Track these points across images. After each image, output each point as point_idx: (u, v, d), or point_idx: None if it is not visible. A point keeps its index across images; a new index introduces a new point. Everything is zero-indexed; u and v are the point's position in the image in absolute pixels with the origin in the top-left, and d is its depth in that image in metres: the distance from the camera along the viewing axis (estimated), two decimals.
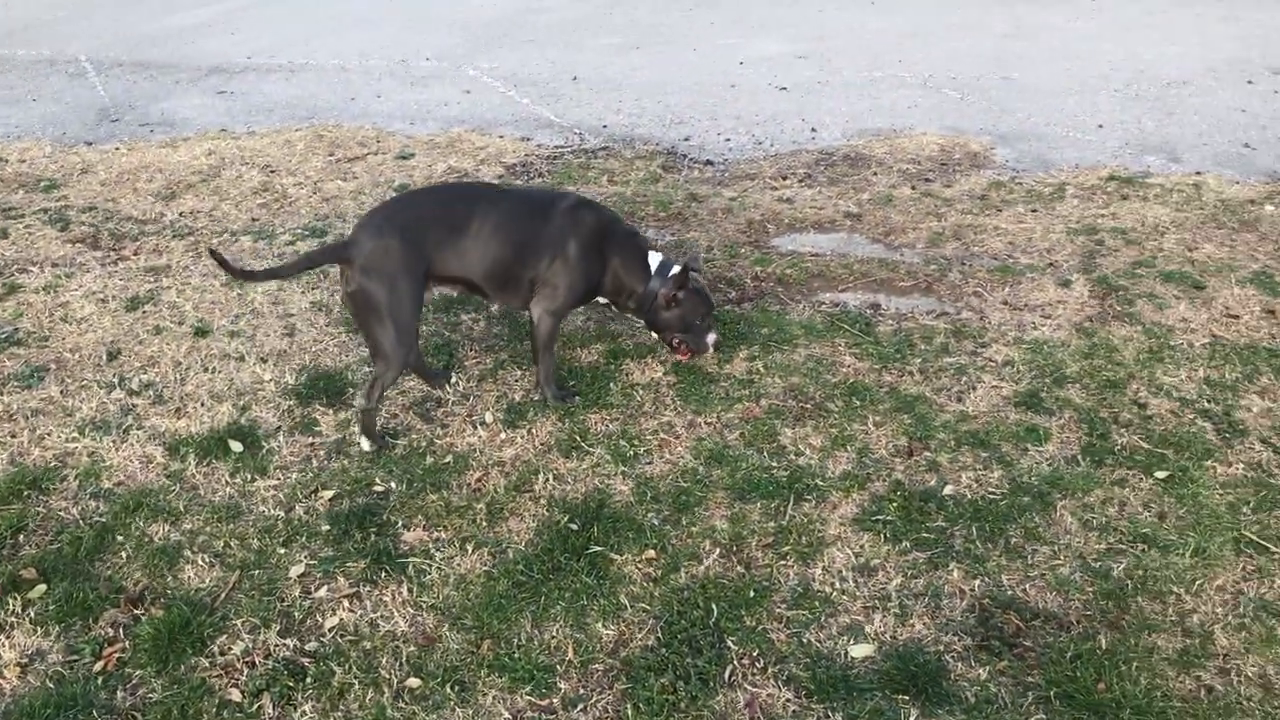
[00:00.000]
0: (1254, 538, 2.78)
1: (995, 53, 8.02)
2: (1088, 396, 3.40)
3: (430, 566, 2.75)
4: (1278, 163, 5.61)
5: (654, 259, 3.45)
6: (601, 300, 3.53)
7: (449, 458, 3.19)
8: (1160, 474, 3.02)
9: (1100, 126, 6.27)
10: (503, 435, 3.29)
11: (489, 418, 3.38)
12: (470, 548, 2.81)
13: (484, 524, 2.91)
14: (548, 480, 3.07)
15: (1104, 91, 6.97)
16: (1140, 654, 2.42)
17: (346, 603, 2.63)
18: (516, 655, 2.46)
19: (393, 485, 3.07)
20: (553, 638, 2.51)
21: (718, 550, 2.79)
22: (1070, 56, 7.87)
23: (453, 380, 3.56)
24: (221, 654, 2.48)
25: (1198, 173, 5.47)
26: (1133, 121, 6.35)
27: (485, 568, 2.74)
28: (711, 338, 3.53)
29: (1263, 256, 4.39)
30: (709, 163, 5.81)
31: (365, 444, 3.23)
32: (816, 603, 2.61)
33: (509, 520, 2.92)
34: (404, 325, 3.11)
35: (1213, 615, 2.54)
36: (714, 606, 2.59)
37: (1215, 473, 3.03)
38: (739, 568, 2.73)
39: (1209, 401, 3.36)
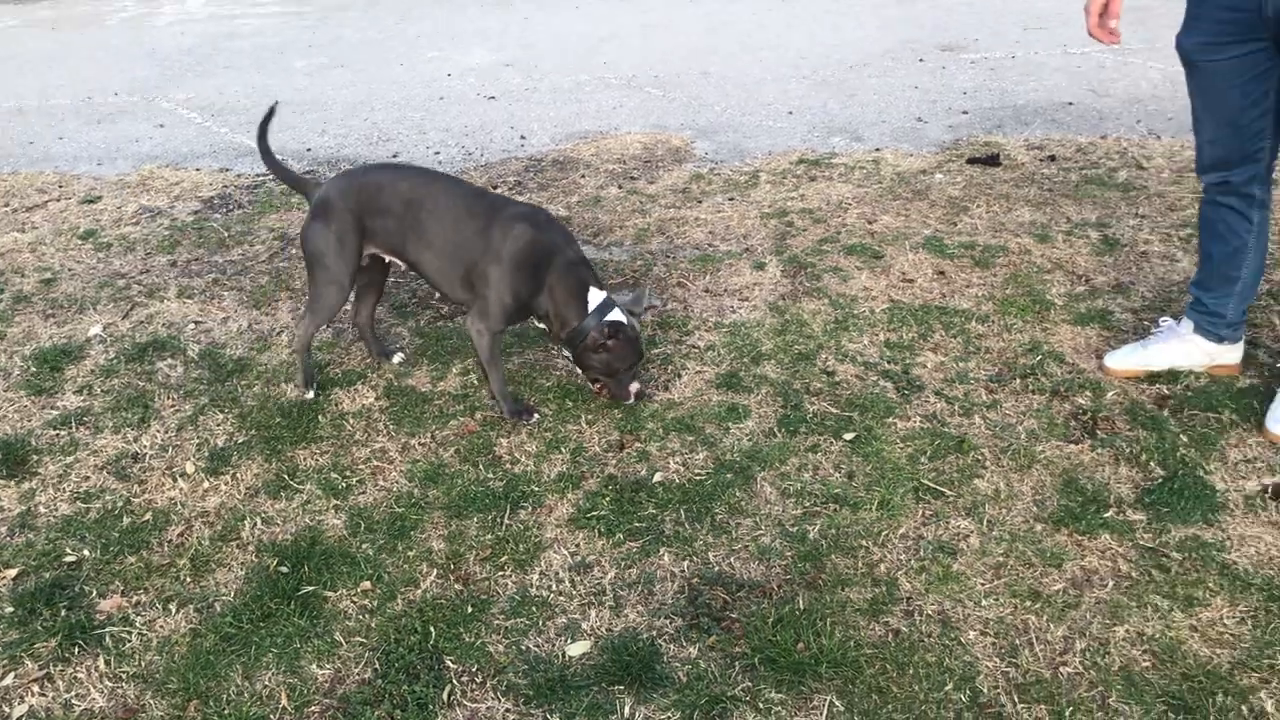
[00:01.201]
0: (931, 484, 3.01)
1: (692, 49, 8.33)
2: (782, 371, 3.60)
3: (130, 634, 2.60)
4: (945, 133, 6.10)
5: (595, 297, 3.30)
6: (539, 324, 3.46)
7: (148, 515, 3.03)
8: (848, 435, 3.23)
9: (791, 113, 6.63)
10: (206, 484, 3.15)
11: (190, 468, 3.23)
12: (174, 607, 2.68)
13: (188, 580, 2.78)
14: (255, 525, 2.97)
15: (794, 79, 7.37)
16: (835, 609, 2.58)
17: (36, 687, 2.46)
18: (226, 712, 2.36)
19: (86, 553, 2.88)
20: (264, 687, 2.43)
21: (435, 571, 2.78)
22: (762, 48, 8.27)
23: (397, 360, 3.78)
24: None
25: (877, 149, 5.87)
26: (819, 106, 6.75)
27: (190, 626, 2.62)
28: (634, 387, 3.39)
29: (933, 222, 4.76)
30: None
31: (292, 388, 3.58)
32: (534, 608, 2.64)
33: (215, 572, 2.80)
34: (328, 279, 3.38)
35: (897, 562, 2.74)
36: (432, 629, 2.58)
37: (896, 428, 3.27)
38: (457, 585, 2.73)
39: (889, 362, 3.62)
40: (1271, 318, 3.83)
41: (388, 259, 3.50)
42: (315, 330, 3.53)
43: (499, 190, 5.46)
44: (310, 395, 3.55)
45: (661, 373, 3.62)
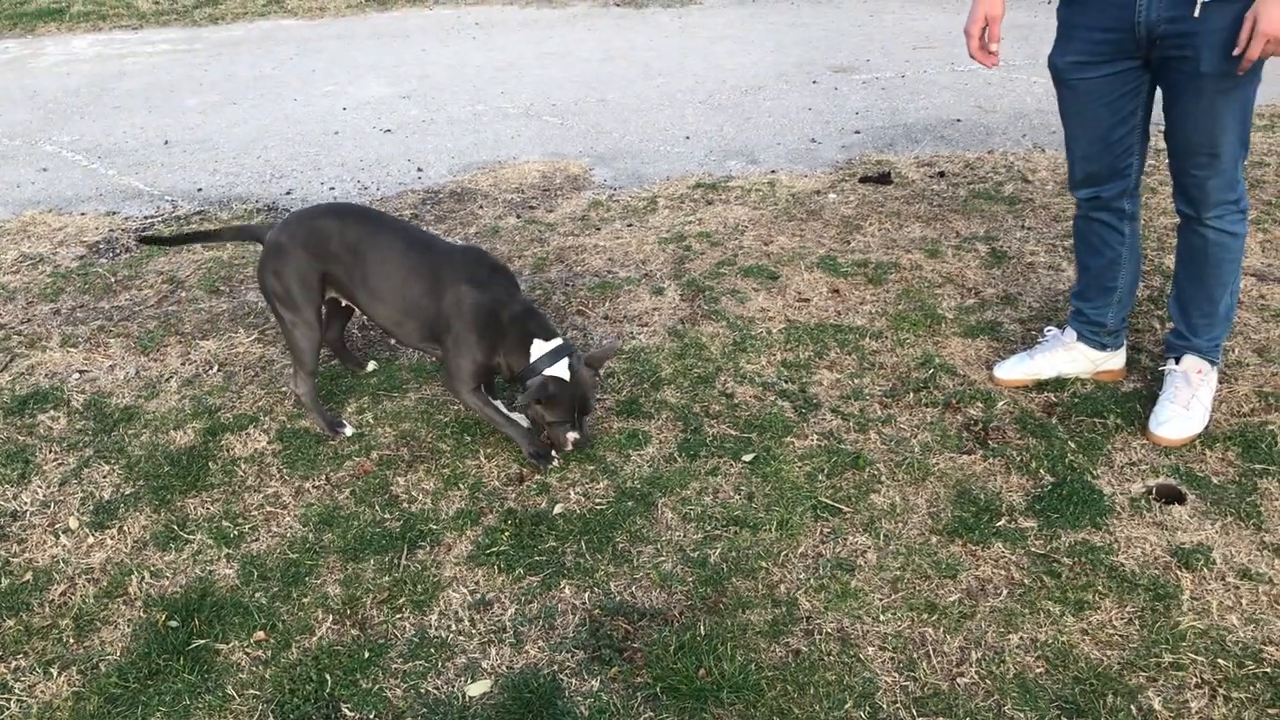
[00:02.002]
0: (829, 502, 3.04)
1: (590, 77, 8.36)
2: (682, 395, 3.61)
3: (9, 701, 2.49)
4: (839, 153, 6.21)
5: (538, 349, 3.19)
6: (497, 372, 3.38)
7: (28, 575, 2.91)
8: (747, 457, 3.25)
9: (688, 137, 6.68)
10: (90, 539, 3.04)
11: (73, 523, 3.11)
12: (55, 670, 2.57)
13: (71, 641, 2.67)
14: (143, 579, 2.87)
15: (690, 104, 7.44)
16: (735, 633, 2.58)
17: None
18: None
19: None
20: None
21: (331, 617, 2.71)
22: (659, 74, 8.34)
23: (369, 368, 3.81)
24: None
25: (773, 171, 5.95)
26: (716, 130, 6.82)
27: (73, 689, 2.52)
28: (571, 436, 3.23)
29: (828, 241, 4.83)
30: None
31: (327, 436, 3.48)
32: (433, 649, 2.59)
33: (100, 631, 2.70)
34: (294, 323, 3.35)
35: (797, 581, 2.75)
36: (328, 676, 2.51)
37: (794, 447, 3.29)
38: (353, 630, 2.67)
39: (787, 382, 3.65)
40: (1153, 322, 3.95)
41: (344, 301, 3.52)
42: (310, 379, 3.46)
43: None
44: (349, 432, 3.49)
45: None
